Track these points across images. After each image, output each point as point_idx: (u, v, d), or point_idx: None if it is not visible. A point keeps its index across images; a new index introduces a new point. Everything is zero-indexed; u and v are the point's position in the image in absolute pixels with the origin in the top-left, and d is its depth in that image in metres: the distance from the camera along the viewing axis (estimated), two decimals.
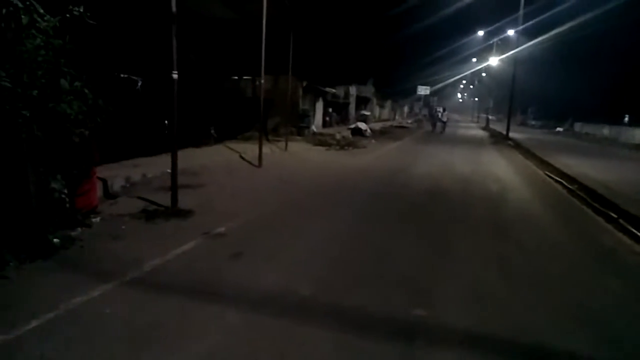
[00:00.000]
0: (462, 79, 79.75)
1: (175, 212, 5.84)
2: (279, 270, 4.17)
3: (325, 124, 26.03)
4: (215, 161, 10.21)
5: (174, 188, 6.05)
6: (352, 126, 23.91)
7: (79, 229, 4.83)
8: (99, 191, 6.08)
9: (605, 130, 36.22)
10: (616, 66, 45.27)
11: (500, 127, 35.21)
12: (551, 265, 4.82)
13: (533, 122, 60.40)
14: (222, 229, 5.24)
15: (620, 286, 4.42)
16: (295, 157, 12.95)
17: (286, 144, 14.10)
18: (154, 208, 5.96)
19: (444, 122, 32.06)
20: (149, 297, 3.47)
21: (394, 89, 48.88)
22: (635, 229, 6.19)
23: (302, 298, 3.60)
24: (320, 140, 17.19)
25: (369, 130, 22.98)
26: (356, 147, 16.66)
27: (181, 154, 6.37)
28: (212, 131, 14.20)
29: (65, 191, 4.85)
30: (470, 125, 51.64)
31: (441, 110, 33.69)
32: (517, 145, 21.39)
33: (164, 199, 6.18)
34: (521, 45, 28.34)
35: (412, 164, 12.69)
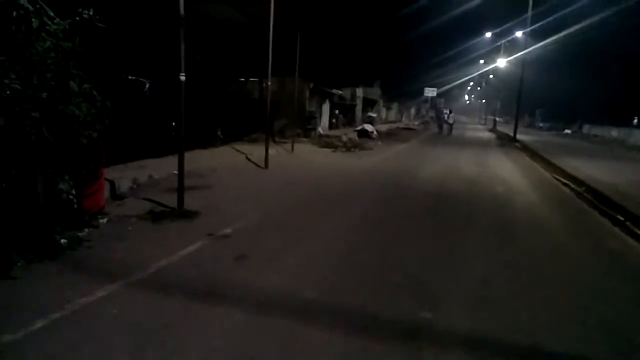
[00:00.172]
0: (469, 80, 79.50)
1: (181, 213, 5.87)
2: (284, 271, 4.18)
3: (331, 126, 26.05)
4: (221, 163, 10.26)
5: (180, 190, 6.09)
6: (359, 128, 23.92)
7: (86, 229, 4.87)
8: (106, 192, 6.14)
9: (614, 133, 35.93)
10: (625, 68, 44.91)
11: (507, 129, 35.04)
12: (557, 268, 4.80)
13: (541, 124, 60.01)
14: (227, 231, 5.27)
15: (627, 289, 4.39)
16: (301, 158, 12.98)
17: (292, 146, 14.14)
18: (161, 209, 6.00)
19: (451, 124, 31.96)
20: (155, 297, 3.50)
21: (401, 90, 48.84)
22: None
23: (307, 300, 3.61)
24: (326, 142, 17.21)
25: (375, 132, 22.96)
26: (362, 149, 16.66)
27: (188, 156, 6.41)
28: (219, 133, 14.28)
29: (73, 192, 4.89)
30: (478, 127, 51.44)
31: (448, 112, 33.57)
32: (525, 148, 21.28)
33: (171, 201, 6.22)
34: (529, 47, 28.21)
35: (419, 166, 12.67)
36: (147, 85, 11.16)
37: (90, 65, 4.64)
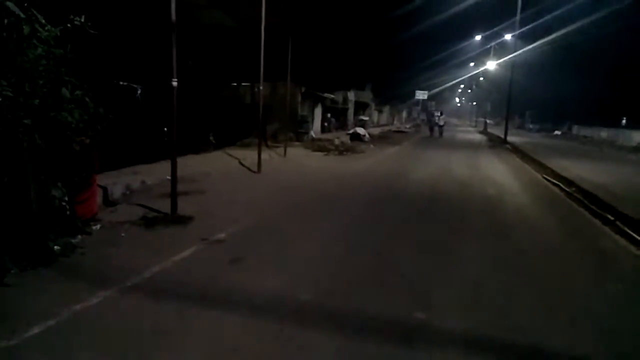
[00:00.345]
0: (460, 83, 79.97)
1: (174, 218, 5.87)
2: (278, 275, 4.19)
3: (324, 130, 26.10)
4: (214, 168, 10.25)
5: (173, 195, 6.08)
6: (351, 131, 24.00)
7: (79, 236, 4.85)
8: (98, 199, 6.12)
9: (603, 133, 36.34)
10: (613, 69, 45.49)
11: (498, 131, 35.32)
12: (549, 268, 4.86)
13: (531, 126, 60.53)
14: (221, 235, 5.28)
15: (617, 288, 4.46)
16: (294, 162, 13.00)
17: (285, 150, 14.16)
18: (154, 215, 5.99)
19: (441, 126, 32.14)
20: (149, 303, 3.50)
21: (392, 93, 49.03)
22: (632, 232, 6.24)
23: (302, 303, 3.63)
24: (319, 146, 17.25)
25: (367, 135, 23.05)
26: (355, 152, 16.72)
27: (180, 161, 6.41)
28: (211, 138, 14.26)
29: (66, 199, 4.87)
30: (469, 130, 51.79)
31: (439, 114, 33.77)
32: (515, 149, 21.47)
33: (164, 206, 6.21)
34: (518, 49, 28.50)
35: (411, 169, 12.74)
36: (139, 91, 11.14)
37: (82, 72, 4.64)
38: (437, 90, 62.34)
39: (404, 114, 71.14)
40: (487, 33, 44.14)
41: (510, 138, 26.46)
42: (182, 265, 4.33)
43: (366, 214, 7.05)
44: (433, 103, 66.78)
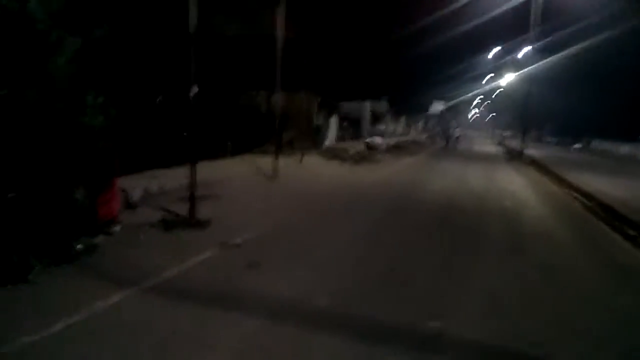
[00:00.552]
0: (477, 94, 79.43)
1: (192, 222, 5.94)
2: (295, 280, 4.22)
3: (339, 139, 26.15)
4: (231, 174, 10.35)
5: (192, 199, 6.17)
6: (366, 141, 24.00)
7: (100, 236, 4.95)
8: (119, 201, 6.23)
9: (623, 148, 35.75)
10: (634, 84, 44.83)
11: (515, 144, 34.95)
12: (567, 283, 4.80)
13: (549, 139, 59.79)
14: (238, 240, 5.33)
15: (638, 304, 4.38)
16: (310, 170, 13.05)
17: (301, 158, 14.23)
18: (172, 218, 6.08)
19: (457, 138, 31.95)
20: (168, 303, 3.56)
21: (409, 104, 48.93)
22: None
23: (318, 308, 3.66)
24: (334, 155, 17.28)
25: (383, 145, 23.03)
26: (370, 162, 16.72)
27: (198, 167, 6.50)
28: (229, 144, 14.40)
29: (87, 200, 4.99)
30: (485, 142, 51.38)
31: (455, 125, 33.62)
32: (533, 162, 21.21)
33: (182, 210, 6.30)
34: (537, 62, 28.27)
35: (427, 180, 12.70)
36: (160, 98, 11.34)
37: (105, 78, 4.78)
38: (454, 101, 62.01)
39: (420, 125, 70.89)
40: (506, 45, 43.91)
41: (527, 151, 26.15)
42: (200, 268, 4.39)
43: (383, 223, 7.05)
44: (450, 114, 66.45)
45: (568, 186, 12.35)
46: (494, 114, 77.00)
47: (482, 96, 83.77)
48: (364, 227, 6.59)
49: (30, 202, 4.15)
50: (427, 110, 53.81)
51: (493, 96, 70.81)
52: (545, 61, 31.55)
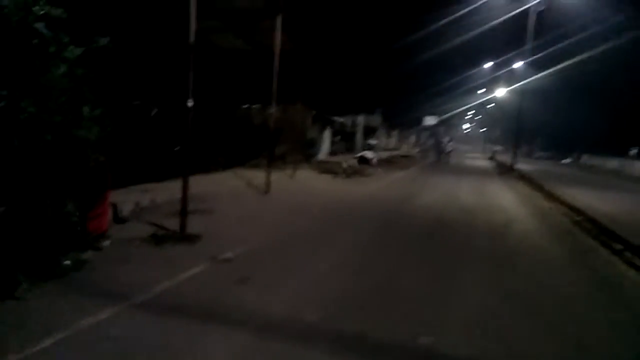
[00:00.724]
0: (469, 109, 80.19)
1: (183, 237, 5.94)
2: (285, 295, 4.23)
3: (332, 152, 26.26)
4: (223, 188, 10.36)
5: (183, 213, 6.17)
6: (359, 155, 24.10)
7: (90, 251, 4.92)
8: (109, 215, 6.21)
9: (612, 163, 36.19)
10: (623, 100, 45.54)
11: (506, 158, 35.26)
12: (556, 297, 4.84)
13: (540, 154, 60.41)
14: (229, 255, 5.32)
15: (624, 318, 4.43)
16: (302, 184, 13.09)
17: (294, 172, 14.27)
18: (163, 233, 6.06)
19: (449, 152, 32.18)
20: (158, 319, 3.55)
21: (401, 118, 49.30)
22: None
23: (308, 324, 3.66)
24: (327, 168, 17.35)
25: (375, 159, 23.13)
26: (363, 176, 16.79)
27: (190, 180, 6.52)
28: (221, 158, 14.42)
29: (77, 214, 4.98)
30: (476, 156, 51.75)
31: (447, 139, 33.89)
32: (524, 177, 21.40)
33: (173, 224, 6.29)
34: (529, 77, 28.70)
35: (418, 194, 12.77)
36: (154, 111, 11.37)
37: (102, 91, 4.80)
38: (446, 116, 62.58)
39: (413, 139, 71.36)
40: (498, 60, 44.51)
41: (518, 165, 26.39)
42: (190, 283, 4.38)
43: (374, 238, 7.08)
44: (442, 128, 66.98)
45: (557, 201, 12.48)
46: (485, 128, 77.72)
47: (473, 111, 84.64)
48: (355, 242, 6.62)
49: (19, 216, 4.14)
50: (419, 124, 54.22)
51: (485, 111, 71.59)
52: (536, 76, 32.04)
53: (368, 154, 23.46)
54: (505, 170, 25.92)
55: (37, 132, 3.96)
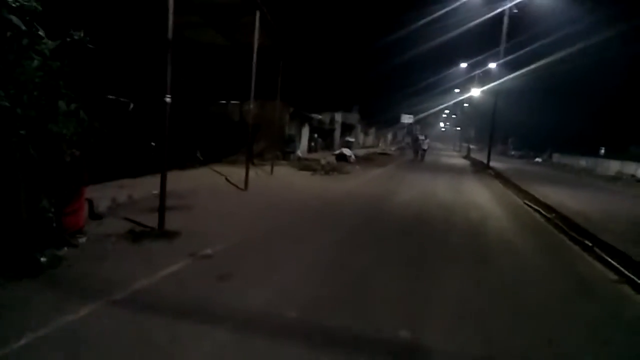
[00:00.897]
0: (444, 108, 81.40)
1: (162, 233, 5.87)
2: (265, 291, 4.23)
3: (310, 149, 26.30)
4: (201, 184, 10.27)
5: (161, 209, 6.09)
6: (337, 152, 24.20)
7: (65, 248, 4.82)
8: (85, 211, 6.10)
9: (582, 162, 37.30)
10: (594, 100, 46.97)
11: (481, 156, 35.97)
12: (529, 290, 4.99)
13: (513, 152, 61.82)
14: (209, 251, 5.29)
15: (593, 311, 4.61)
16: (280, 181, 13.07)
17: (272, 168, 14.24)
18: (141, 229, 5.98)
19: (425, 150, 32.59)
20: (138, 316, 3.51)
21: (379, 116, 49.75)
22: (610, 258, 6.44)
23: (288, 319, 3.68)
24: (305, 165, 17.37)
25: (353, 157, 23.28)
26: (341, 173, 16.87)
27: (167, 176, 6.44)
28: (198, 154, 14.28)
29: (53, 210, 4.87)
30: (452, 154, 52.61)
31: (423, 138, 34.31)
32: (498, 175, 21.87)
33: (151, 221, 6.22)
34: (502, 77, 29.31)
35: (396, 191, 12.91)
36: (131, 106, 11.18)
37: (78, 85, 4.70)
38: (422, 115, 63.39)
39: (390, 137, 72.02)
40: (473, 61, 45.32)
41: (492, 164, 26.96)
42: (170, 280, 4.34)
43: (353, 234, 7.14)
44: (418, 127, 67.82)
45: (530, 198, 12.80)
46: (459, 128, 78.99)
47: (447, 111, 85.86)
48: (335, 238, 6.66)
49: None
50: (396, 122, 54.76)
51: (460, 110, 72.73)
52: (509, 77, 32.73)
53: (346, 152, 23.58)
54: (480, 169, 26.43)
55: (11, 127, 3.85)
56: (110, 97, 10.45)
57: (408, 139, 60.30)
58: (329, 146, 31.07)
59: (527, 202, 12.49)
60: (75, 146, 4.90)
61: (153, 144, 11.12)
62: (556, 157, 46.67)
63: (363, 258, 5.71)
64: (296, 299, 4.12)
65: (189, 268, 4.73)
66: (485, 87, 40.76)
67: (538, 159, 49.19)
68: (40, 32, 4.19)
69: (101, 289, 3.92)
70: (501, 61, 28.25)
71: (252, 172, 11.13)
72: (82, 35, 4.48)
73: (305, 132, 25.93)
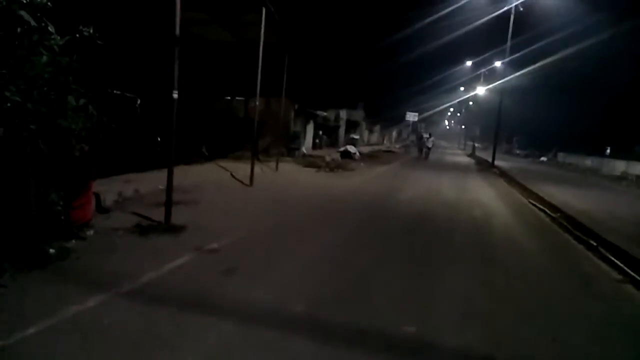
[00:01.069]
0: (450, 106, 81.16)
1: (168, 227, 5.93)
2: (271, 285, 4.28)
3: (315, 146, 26.34)
4: (206, 179, 10.33)
5: (168, 204, 6.15)
6: (342, 149, 24.23)
7: (74, 241, 4.89)
8: (92, 205, 6.16)
9: (588, 162, 37.11)
10: (600, 99, 46.71)
11: (485, 155, 35.87)
12: (533, 289, 5.02)
13: (518, 151, 61.57)
14: (214, 245, 5.35)
15: (597, 311, 4.63)
16: (285, 177, 13.12)
17: (277, 165, 14.29)
18: (147, 223, 6.04)
19: (429, 148, 32.49)
20: (145, 308, 3.57)
21: (384, 114, 49.67)
22: (614, 257, 6.44)
23: (294, 313, 3.73)
24: (310, 162, 17.41)
25: (358, 154, 23.29)
26: (345, 170, 16.89)
27: (174, 171, 6.49)
28: (204, 149, 14.36)
29: (61, 203, 4.94)
30: (457, 152, 52.46)
31: (427, 136, 34.23)
32: (503, 174, 21.82)
33: (157, 215, 6.28)
34: (508, 75, 29.21)
35: (400, 188, 12.93)
36: (139, 102, 11.26)
37: (87, 81, 4.75)
38: (427, 113, 63.19)
39: (395, 134, 71.94)
40: (478, 59, 45.19)
41: (497, 162, 26.88)
42: (176, 273, 4.40)
43: (357, 231, 7.17)
44: (423, 125, 67.59)
45: (535, 198, 12.78)
46: (464, 126, 78.77)
47: (452, 109, 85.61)
48: (339, 235, 6.70)
49: (4, 205, 4.09)
50: (401, 120, 54.64)
51: (464, 109, 72.54)
52: (515, 75, 32.62)
53: (351, 149, 23.60)
54: (484, 167, 26.38)
55: (22, 122, 3.91)
56: (118, 92, 10.53)
57: (413, 137, 60.18)
58: (333, 143, 31.10)
59: (531, 201, 12.47)
60: (84, 141, 4.96)
61: (159, 139, 11.21)
62: (561, 157, 46.43)
63: (368, 255, 5.74)
64: (302, 293, 4.17)
65: (195, 262, 4.78)
66: (490, 86, 40.64)
67: (543, 158, 48.99)
68: (50, 28, 4.24)
69: (109, 281, 3.98)
70: (507, 59, 28.15)
71: (257, 168, 11.19)
72: (91, 31, 4.52)
73: (310, 128, 25.97)
